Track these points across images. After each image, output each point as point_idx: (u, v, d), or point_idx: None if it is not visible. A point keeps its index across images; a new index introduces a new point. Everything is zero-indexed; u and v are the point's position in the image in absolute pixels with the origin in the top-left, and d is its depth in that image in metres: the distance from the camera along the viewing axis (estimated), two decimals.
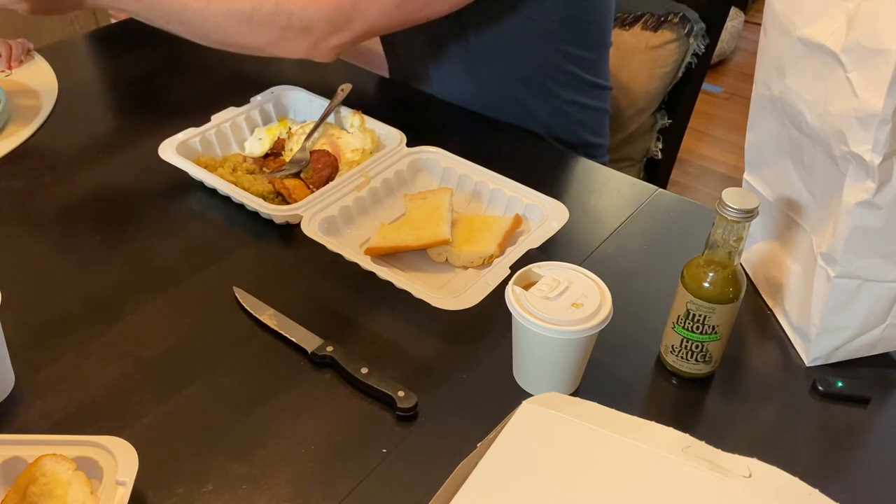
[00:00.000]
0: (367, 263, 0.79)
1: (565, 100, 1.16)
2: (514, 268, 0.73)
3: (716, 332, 0.70)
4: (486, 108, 1.13)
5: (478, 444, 0.54)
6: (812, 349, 0.75)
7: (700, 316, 0.69)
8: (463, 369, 0.74)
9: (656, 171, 1.42)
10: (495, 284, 0.77)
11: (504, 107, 1.14)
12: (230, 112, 1.01)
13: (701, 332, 0.70)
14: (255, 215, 0.89)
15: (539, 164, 1.02)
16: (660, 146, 1.40)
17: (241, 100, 1.04)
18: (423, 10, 0.97)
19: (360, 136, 0.99)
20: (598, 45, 1.16)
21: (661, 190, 0.99)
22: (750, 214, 0.65)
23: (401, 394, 0.69)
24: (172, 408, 0.69)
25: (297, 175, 0.94)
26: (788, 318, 0.79)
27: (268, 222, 0.89)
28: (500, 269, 0.79)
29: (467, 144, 0.99)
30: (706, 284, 0.68)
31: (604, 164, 1.19)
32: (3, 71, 1.16)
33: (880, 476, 0.68)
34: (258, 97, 1.05)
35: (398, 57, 1.25)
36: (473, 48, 1.09)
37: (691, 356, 0.72)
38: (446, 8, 0.98)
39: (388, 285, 0.78)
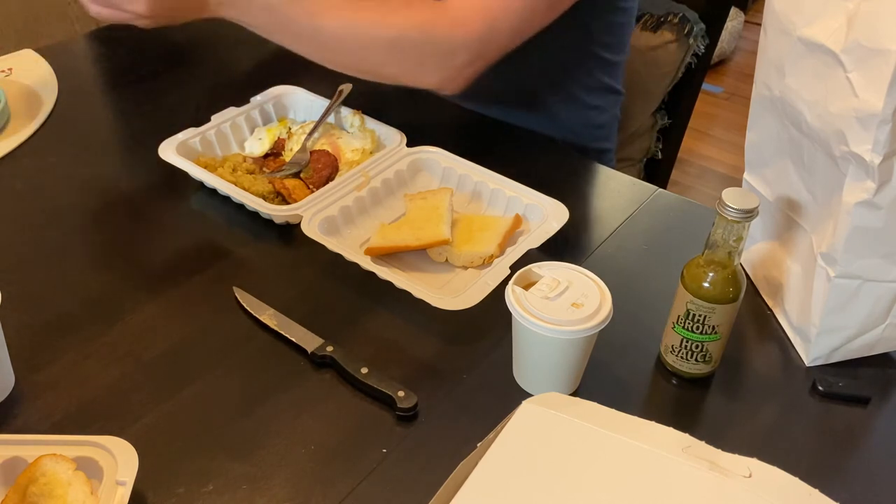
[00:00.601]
0: (367, 263, 0.79)
1: (588, 104, 1.16)
2: (514, 268, 0.73)
3: (716, 332, 0.70)
4: (501, 108, 1.12)
5: (478, 444, 0.54)
6: (812, 349, 0.75)
7: (700, 316, 0.69)
8: (463, 369, 0.74)
9: (656, 171, 1.42)
10: (495, 284, 0.77)
11: (522, 107, 1.13)
12: (230, 112, 1.01)
13: (701, 332, 0.70)
14: (255, 215, 0.89)
15: (539, 164, 1.02)
16: (660, 146, 1.40)
17: (241, 100, 1.04)
18: (541, 25, 0.94)
19: (360, 136, 0.99)
20: (623, 50, 1.16)
21: (661, 190, 0.99)
22: (750, 214, 0.65)
23: (401, 394, 0.69)
24: (172, 408, 0.69)
25: (297, 175, 0.94)
26: (788, 318, 0.79)
27: (268, 222, 0.89)
28: (500, 269, 0.79)
29: (467, 144, 0.99)
30: (706, 284, 0.68)
31: (611, 167, 1.20)
32: (2, 71, 1.16)
33: (880, 476, 0.68)
34: (258, 97, 1.05)
35: None
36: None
37: (691, 356, 0.72)
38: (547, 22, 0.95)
39: (388, 285, 0.78)
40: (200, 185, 0.93)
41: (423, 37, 0.89)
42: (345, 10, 0.89)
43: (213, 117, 1.00)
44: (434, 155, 0.96)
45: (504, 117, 1.12)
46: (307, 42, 0.92)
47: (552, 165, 1.03)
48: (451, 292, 0.77)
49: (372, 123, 1.01)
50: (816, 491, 0.50)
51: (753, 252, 0.84)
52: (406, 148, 0.96)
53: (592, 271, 0.70)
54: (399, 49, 0.90)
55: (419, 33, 0.88)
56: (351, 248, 0.83)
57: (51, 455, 0.59)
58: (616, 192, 0.99)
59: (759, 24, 0.75)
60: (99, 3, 0.86)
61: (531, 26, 0.91)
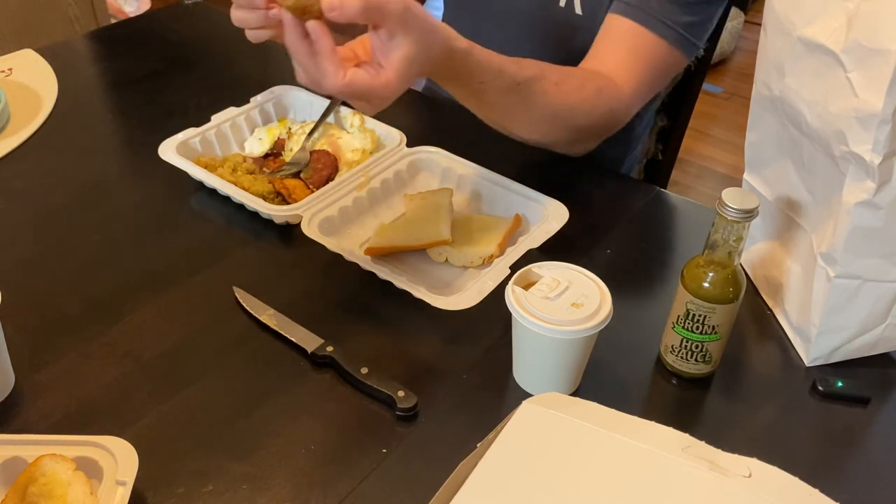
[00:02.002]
0: (367, 263, 0.79)
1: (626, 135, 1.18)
2: (514, 268, 0.73)
3: (716, 332, 0.70)
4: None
5: (478, 444, 0.54)
6: (812, 349, 0.75)
7: (700, 316, 0.69)
8: (463, 369, 0.74)
9: (656, 171, 1.41)
10: (495, 284, 0.77)
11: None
12: (230, 112, 1.01)
13: (701, 332, 0.70)
14: (255, 215, 0.89)
15: (539, 164, 1.02)
16: (660, 146, 1.40)
17: (241, 100, 1.04)
18: None
19: (360, 136, 0.99)
20: None
21: (661, 190, 0.99)
22: (750, 214, 0.65)
23: (401, 394, 0.69)
24: (172, 408, 0.69)
25: (297, 175, 0.94)
26: (788, 318, 0.79)
27: (268, 222, 0.89)
28: (500, 269, 0.79)
29: (467, 144, 0.99)
30: (706, 284, 0.68)
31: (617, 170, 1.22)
32: (2, 71, 1.16)
33: (880, 476, 0.68)
34: (258, 97, 1.04)
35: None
36: None
37: (691, 356, 0.72)
38: None
39: (388, 285, 0.78)
40: (200, 185, 0.93)
41: (605, 121, 0.93)
42: (549, 97, 0.87)
43: (213, 117, 1.00)
44: (434, 155, 0.96)
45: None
46: (514, 119, 0.89)
47: (552, 165, 1.03)
48: (451, 292, 0.77)
49: (372, 123, 1.01)
50: (816, 491, 0.50)
51: (753, 252, 0.84)
52: (406, 148, 0.96)
53: (592, 271, 0.70)
54: (584, 133, 0.95)
55: (606, 119, 0.93)
56: (351, 248, 0.83)
57: (50, 455, 0.59)
58: (616, 192, 0.99)
59: (759, 24, 0.75)
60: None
61: None
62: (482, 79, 0.79)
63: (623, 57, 0.94)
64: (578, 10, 1.03)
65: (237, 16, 0.90)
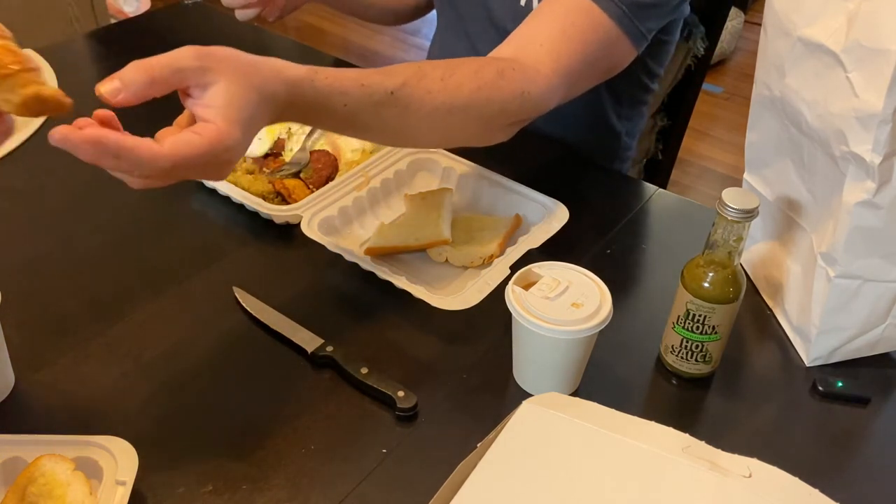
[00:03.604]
0: (367, 263, 0.79)
1: (619, 129, 1.18)
2: (514, 268, 0.73)
3: (716, 332, 0.70)
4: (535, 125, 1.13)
5: (478, 444, 0.54)
6: (812, 349, 0.75)
7: (700, 316, 0.69)
8: (463, 369, 0.74)
9: (656, 171, 1.42)
10: (495, 284, 0.77)
11: (554, 131, 1.14)
12: None
13: (701, 332, 0.70)
14: (255, 215, 0.89)
15: (539, 164, 1.02)
16: (660, 146, 1.40)
17: None
18: None
19: None
20: (659, 76, 1.16)
21: (661, 190, 0.99)
22: (750, 214, 0.65)
23: (401, 394, 0.69)
24: (172, 408, 0.69)
25: (296, 175, 0.94)
26: (788, 318, 0.79)
27: (268, 222, 0.89)
28: (500, 269, 0.79)
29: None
30: (706, 284, 0.68)
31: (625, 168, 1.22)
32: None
33: (880, 476, 0.68)
34: None
35: (445, 38, 1.20)
36: None
37: (691, 356, 0.72)
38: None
39: (388, 285, 0.78)
40: (200, 185, 0.93)
41: (521, 108, 0.83)
42: (437, 96, 0.78)
43: None
44: (434, 155, 0.96)
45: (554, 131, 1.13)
46: (401, 136, 0.80)
47: (552, 165, 1.03)
48: (451, 292, 0.77)
49: None
50: (816, 491, 0.50)
51: (753, 252, 0.84)
52: (406, 148, 0.96)
53: (592, 271, 0.70)
54: (497, 122, 0.84)
55: (518, 106, 0.82)
56: (351, 248, 0.83)
57: (50, 455, 0.59)
58: (616, 192, 0.99)
59: (759, 24, 0.75)
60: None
61: None
62: (343, 101, 0.69)
63: (548, 32, 0.85)
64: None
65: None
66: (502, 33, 1.01)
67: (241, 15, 0.97)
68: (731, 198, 0.65)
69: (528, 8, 1.02)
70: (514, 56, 0.84)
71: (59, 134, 0.57)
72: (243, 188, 0.90)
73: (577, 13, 0.87)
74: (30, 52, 1.20)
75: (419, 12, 1.29)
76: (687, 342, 0.71)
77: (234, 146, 0.60)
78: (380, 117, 0.73)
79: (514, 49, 0.86)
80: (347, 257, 0.80)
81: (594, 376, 0.73)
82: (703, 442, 0.53)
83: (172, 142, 0.60)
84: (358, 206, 0.89)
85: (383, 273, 0.78)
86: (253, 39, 1.34)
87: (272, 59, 0.65)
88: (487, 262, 0.83)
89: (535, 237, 0.83)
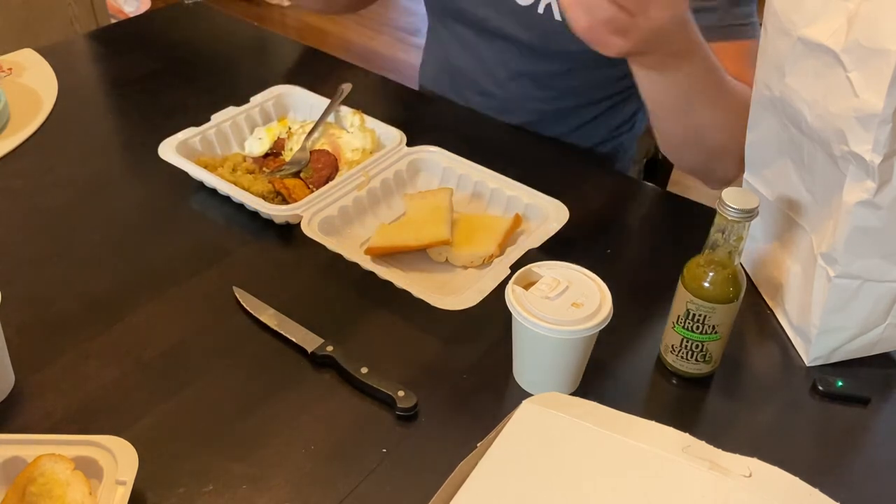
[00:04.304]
0: (367, 263, 0.79)
1: (620, 130, 1.19)
2: (514, 268, 0.73)
3: (716, 332, 0.70)
4: (542, 126, 1.13)
5: (478, 444, 0.54)
6: (812, 349, 0.75)
7: (700, 316, 0.69)
8: (463, 369, 0.74)
9: (656, 171, 1.41)
10: (495, 284, 0.77)
11: (557, 129, 1.15)
12: (230, 112, 1.01)
13: (701, 332, 0.70)
14: (255, 215, 0.89)
15: (539, 164, 1.02)
16: None
17: (241, 100, 1.04)
18: None
19: (360, 135, 0.99)
20: None
21: (661, 190, 0.99)
22: (750, 214, 0.65)
23: (401, 394, 0.69)
24: (172, 408, 0.69)
25: (297, 175, 0.94)
26: (788, 318, 0.79)
27: (268, 222, 0.89)
28: (500, 269, 0.79)
29: (467, 144, 0.99)
30: (706, 284, 0.68)
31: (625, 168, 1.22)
32: (3, 71, 1.16)
33: (880, 476, 0.68)
34: (258, 97, 1.04)
35: (450, 50, 1.20)
36: None
37: (691, 356, 0.72)
38: None
39: (388, 285, 0.78)
40: (200, 185, 0.93)
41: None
42: (735, 95, 0.85)
43: (213, 117, 1.00)
44: (434, 155, 0.96)
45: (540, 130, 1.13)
46: (723, 109, 0.85)
47: (552, 165, 1.03)
48: (451, 292, 0.77)
49: (372, 123, 1.00)
50: (816, 491, 0.50)
51: (753, 252, 0.84)
52: (406, 148, 0.96)
53: (592, 271, 0.70)
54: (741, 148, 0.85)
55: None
56: (351, 248, 0.83)
57: (49, 455, 0.59)
58: (616, 192, 0.99)
59: (760, 24, 0.75)
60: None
61: None
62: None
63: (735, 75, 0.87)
64: (557, 17, 1.02)
65: None
66: (500, 35, 1.02)
67: None
68: (731, 198, 0.65)
69: (533, 9, 1.02)
70: None
71: None
72: (243, 188, 0.90)
73: (735, 54, 0.89)
74: (29, 52, 1.21)
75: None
76: (687, 342, 0.71)
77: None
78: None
79: None
80: (347, 257, 0.80)
81: (594, 376, 0.73)
82: (703, 442, 0.53)
83: None
84: (358, 206, 0.89)
85: (383, 273, 0.78)
86: (253, 39, 1.34)
87: None
88: (487, 262, 0.83)
89: (535, 237, 0.83)
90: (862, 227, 0.67)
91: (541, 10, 1.02)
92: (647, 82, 0.83)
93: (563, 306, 0.67)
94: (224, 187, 0.89)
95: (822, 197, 0.72)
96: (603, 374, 0.73)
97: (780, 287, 0.80)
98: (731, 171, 0.91)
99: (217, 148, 0.98)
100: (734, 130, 0.84)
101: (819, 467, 0.68)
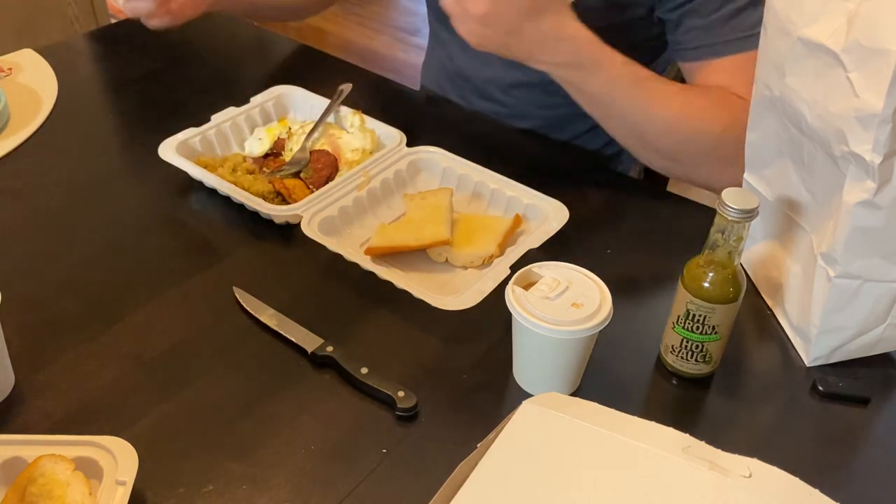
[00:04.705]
0: (367, 263, 0.79)
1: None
2: (514, 268, 0.73)
3: (716, 332, 0.70)
4: (545, 129, 1.14)
5: (478, 445, 0.55)
6: (812, 349, 0.75)
7: (700, 316, 0.69)
8: (463, 369, 0.74)
9: (656, 171, 1.42)
10: (495, 284, 0.77)
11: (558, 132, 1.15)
12: (230, 112, 1.01)
13: (701, 332, 0.70)
14: (255, 215, 0.89)
15: (539, 165, 1.02)
16: None
17: (241, 100, 1.04)
18: None
19: (360, 136, 0.99)
20: (666, 66, 1.17)
21: (661, 190, 0.99)
22: (750, 214, 0.65)
23: (401, 394, 0.69)
24: (172, 408, 0.69)
25: (296, 175, 0.94)
26: (788, 318, 0.79)
27: (268, 222, 0.89)
28: (500, 269, 0.79)
29: (467, 144, 0.99)
30: (706, 284, 0.68)
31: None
32: (2, 71, 1.16)
33: (880, 476, 0.68)
34: (258, 97, 1.05)
35: (452, 52, 1.20)
36: None
37: (691, 356, 0.72)
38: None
39: (388, 285, 0.78)
40: (200, 185, 0.93)
41: (737, 139, 0.84)
42: (677, 100, 0.88)
43: (213, 117, 1.00)
44: (434, 155, 0.96)
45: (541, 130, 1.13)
46: (629, 124, 0.90)
47: (552, 165, 1.03)
48: (451, 292, 0.77)
49: (372, 123, 1.01)
50: (816, 491, 0.50)
51: (753, 252, 0.84)
52: (406, 148, 0.96)
53: (592, 271, 0.70)
54: (717, 152, 0.88)
55: (735, 136, 0.84)
56: (351, 248, 0.83)
57: (49, 455, 0.59)
58: (616, 192, 0.99)
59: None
60: None
61: None
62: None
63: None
64: None
65: (129, 7, 0.97)
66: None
67: (152, 25, 1.03)
68: (731, 198, 0.65)
69: None
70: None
71: None
72: (243, 188, 0.90)
73: (735, 69, 0.90)
74: (29, 52, 1.21)
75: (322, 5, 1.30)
76: (687, 342, 0.71)
77: None
78: (623, 97, 0.87)
79: None
80: (347, 257, 0.80)
81: (594, 376, 0.73)
82: (703, 442, 0.53)
83: None
84: (358, 206, 0.89)
85: (383, 273, 0.78)
86: (253, 39, 1.34)
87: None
88: (487, 262, 0.83)
89: (535, 237, 0.83)
90: (862, 227, 0.67)
91: None
92: (571, 94, 0.91)
93: (563, 306, 0.67)
94: (224, 187, 0.89)
95: (822, 197, 0.72)
96: (603, 374, 0.73)
97: (780, 287, 0.80)
98: (714, 176, 0.91)
99: (217, 148, 0.98)
100: (688, 134, 0.87)
101: (819, 467, 0.68)
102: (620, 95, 0.88)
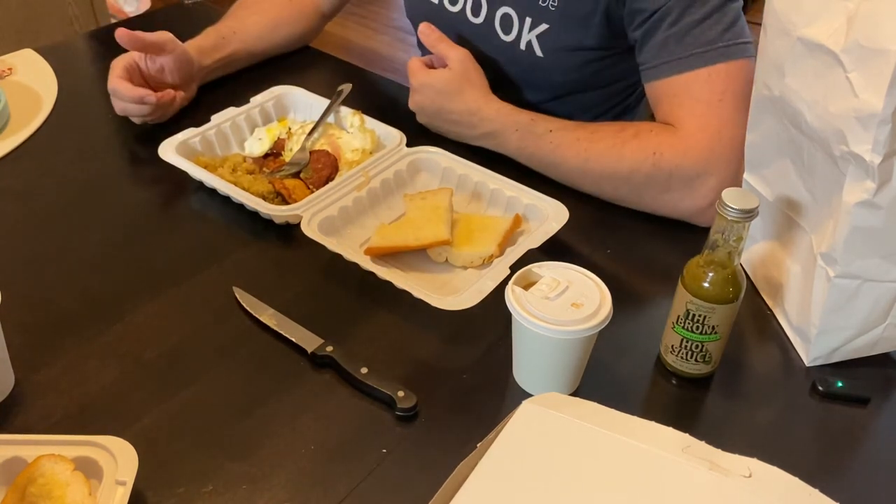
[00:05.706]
0: (367, 263, 0.79)
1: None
2: (514, 268, 0.73)
3: (716, 332, 0.70)
4: None
5: (478, 444, 0.54)
6: (812, 349, 0.75)
7: (700, 316, 0.69)
8: (463, 369, 0.74)
9: None
10: (495, 284, 0.77)
11: None
12: (230, 112, 1.01)
13: (701, 332, 0.70)
14: (255, 215, 0.89)
15: None
16: None
17: (241, 100, 1.04)
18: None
19: (360, 136, 0.99)
20: None
21: None
22: (750, 214, 0.65)
23: (401, 394, 0.69)
24: (172, 408, 0.69)
25: (296, 175, 0.94)
26: (788, 318, 0.79)
27: (268, 222, 0.89)
28: (500, 269, 0.79)
29: (467, 145, 1.00)
30: (706, 284, 0.68)
31: None
32: (2, 71, 1.16)
33: (880, 476, 0.68)
34: (258, 97, 1.04)
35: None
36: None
37: (691, 356, 0.72)
38: None
39: (388, 285, 0.78)
40: (200, 185, 0.93)
41: (654, 170, 0.88)
42: (582, 143, 0.92)
43: (213, 117, 1.00)
44: (434, 155, 0.96)
45: None
46: (553, 173, 0.96)
47: None
48: (451, 292, 0.77)
49: (372, 123, 1.01)
50: (816, 491, 0.50)
51: (753, 252, 0.84)
52: (406, 148, 0.96)
53: (592, 271, 0.70)
54: (634, 184, 0.90)
55: (650, 167, 0.88)
56: (351, 248, 0.83)
57: (49, 455, 0.59)
58: None
59: (760, 24, 0.75)
60: None
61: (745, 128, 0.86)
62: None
63: (690, 109, 0.90)
64: (539, 53, 1.03)
65: (121, 108, 1.00)
66: (488, 66, 1.02)
67: (138, 120, 1.03)
68: (731, 198, 0.65)
69: (516, 45, 1.03)
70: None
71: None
72: (243, 188, 0.90)
73: (691, 86, 0.91)
74: (29, 52, 1.21)
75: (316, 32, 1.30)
76: (687, 342, 0.71)
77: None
78: (537, 151, 0.95)
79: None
80: (347, 257, 0.80)
81: (594, 376, 0.73)
82: (703, 442, 0.53)
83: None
84: (358, 206, 0.89)
85: (383, 273, 0.78)
86: None
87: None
88: (487, 262, 0.83)
89: (535, 237, 0.83)
90: (862, 227, 0.67)
91: (522, 46, 1.04)
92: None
93: (563, 306, 0.67)
94: (224, 187, 0.89)
95: (821, 197, 0.72)
96: (603, 374, 0.73)
97: (779, 287, 0.80)
98: (686, 205, 0.90)
99: (217, 148, 0.98)
100: (620, 176, 0.91)
101: (819, 467, 0.68)
102: (546, 154, 0.94)
